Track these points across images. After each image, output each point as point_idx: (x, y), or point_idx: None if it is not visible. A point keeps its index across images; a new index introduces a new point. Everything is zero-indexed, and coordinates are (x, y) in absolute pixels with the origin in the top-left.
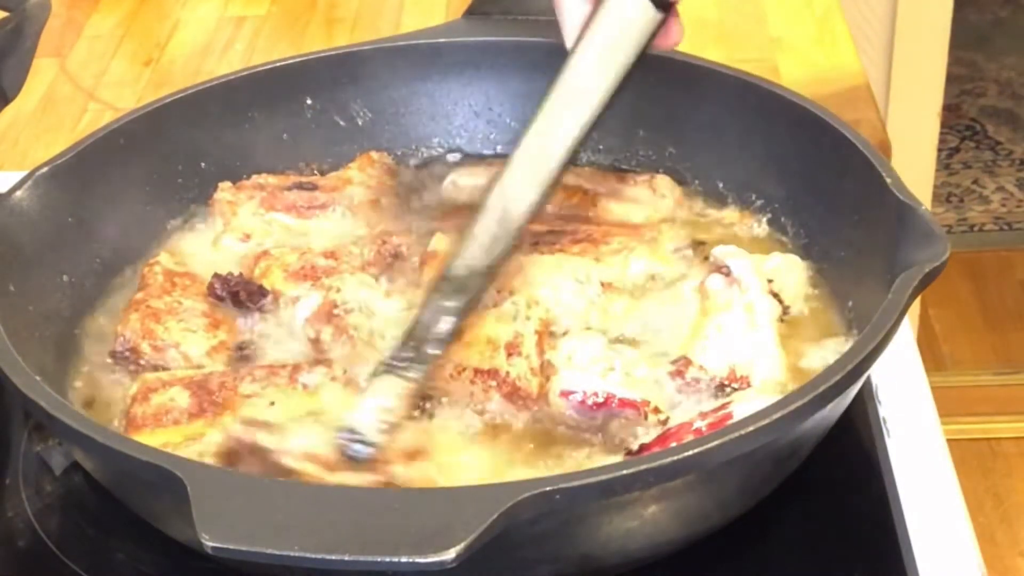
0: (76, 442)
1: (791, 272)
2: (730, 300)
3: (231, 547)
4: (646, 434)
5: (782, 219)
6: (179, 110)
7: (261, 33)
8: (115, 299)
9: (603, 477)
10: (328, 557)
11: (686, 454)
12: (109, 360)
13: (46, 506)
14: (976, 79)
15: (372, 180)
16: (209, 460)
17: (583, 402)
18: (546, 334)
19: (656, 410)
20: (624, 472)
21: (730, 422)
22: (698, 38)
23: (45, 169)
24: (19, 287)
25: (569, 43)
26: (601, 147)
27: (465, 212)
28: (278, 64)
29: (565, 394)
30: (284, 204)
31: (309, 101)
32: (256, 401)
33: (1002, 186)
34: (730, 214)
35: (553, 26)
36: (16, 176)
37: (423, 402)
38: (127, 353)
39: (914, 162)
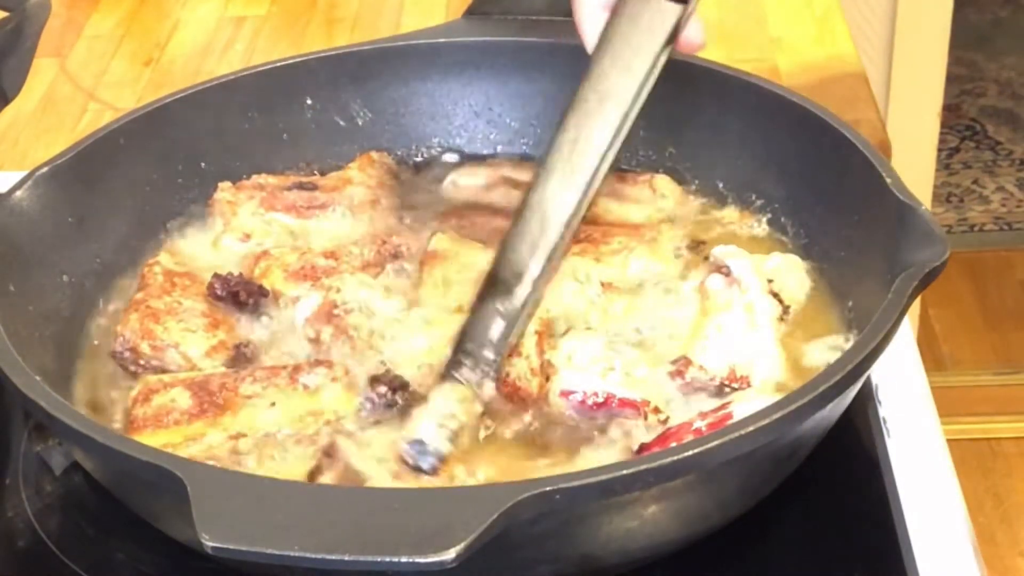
0: (76, 442)
1: (791, 272)
2: (730, 300)
3: (231, 547)
4: (646, 434)
5: (782, 219)
6: (179, 110)
7: (261, 33)
8: (115, 299)
9: (603, 477)
10: (328, 557)
11: (686, 454)
12: (109, 360)
13: (46, 506)
14: (976, 79)
15: (372, 180)
16: (213, 462)
17: (583, 402)
18: (546, 334)
19: (656, 410)
20: (624, 472)
21: (730, 422)
22: None
23: (45, 169)
24: (19, 287)
25: (589, 48)
26: None
27: (465, 212)
28: (278, 64)
29: (565, 394)
30: (284, 204)
31: (309, 101)
32: (257, 402)
33: (1002, 186)
34: (730, 214)
35: (553, 26)
36: (16, 176)
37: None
38: (127, 353)
39: (914, 162)
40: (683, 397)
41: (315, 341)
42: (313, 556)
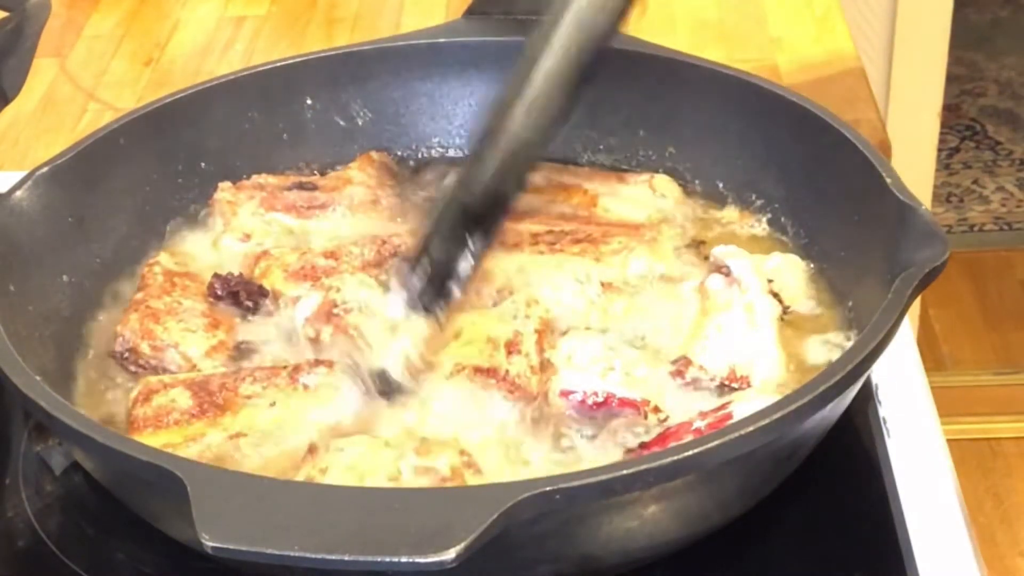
0: (76, 442)
1: (791, 272)
2: (730, 300)
3: (231, 547)
4: (646, 434)
5: (782, 219)
6: (179, 110)
7: (261, 33)
8: (115, 299)
9: (603, 477)
10: (328, 557)
11: (686, 454)
12: (109, 360)
13: (46, 506)
14: (976, 79)
15: (372, 180)
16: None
17: (583, 402)
18: (546, 333)
19: (656, 410)
20: (624, 472)
21: (730, 422)
22: (698, 38)
23: (45, 169)
24: (19, 287)
25: None
26: (601, 147)
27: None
28: (278, 64)
29: (565, 394)
30: (284, 204)
31: (309, 101)
32: (257, 401)
33: (1002, 186)
34: (730, 214)
35: None
36: (16, 176)
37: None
38: (127, 353)
39: (914, 162)
40: (683, 397)
41: (315, 341)
42: (313, 556)
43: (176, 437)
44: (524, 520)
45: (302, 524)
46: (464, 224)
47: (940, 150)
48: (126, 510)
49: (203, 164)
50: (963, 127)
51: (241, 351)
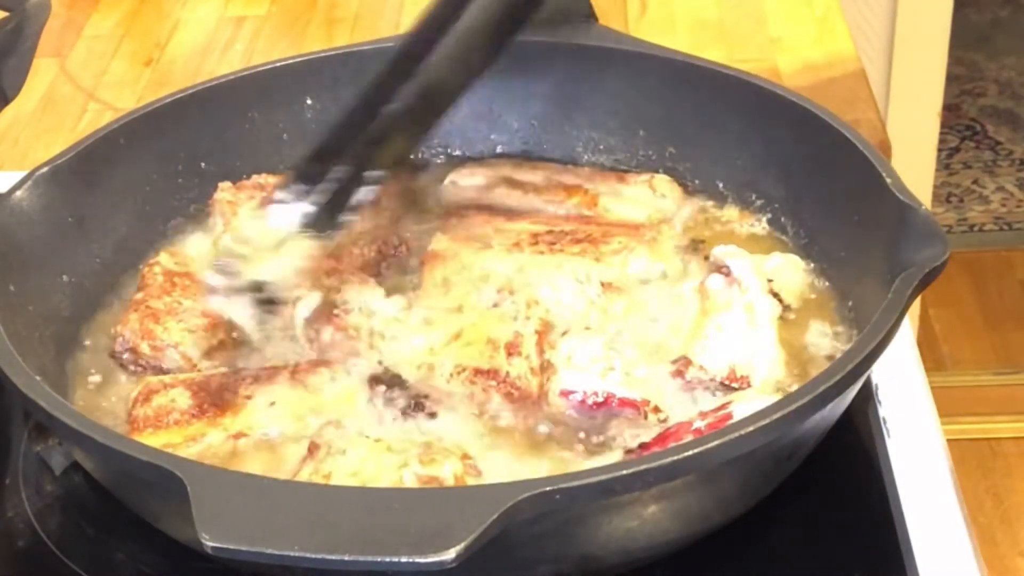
0: (76, 442)
1: (791, 272)
2: (730, 300)
3: (231, 547)
4: (646, 434)
5: (782, 219)
6: (179, 110)
7: (261, 33)
8: (115, 299)
9: (603, 477)
10: (328, 557)
11: (686, 454)
12: (109, 360)
13: (46, 506)
14: (976, 79)
15: None
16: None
17: (583, 402)
18: (546, 334)
19: (656, 410)
20: (624, 472)
21: (730, 422)
22: (698, 38)
23: (45, 169)
24: (19, 287)
25: None
26: (601, 147)
27: (465, 212)
28: (278, 64)
29: (565, 394)
30: None
31: (309, 101)
32: (257, 402)
33: (1002, 186)
34: (730, 214)
35: (554, 26)
36: (16, 176)
37: (423, 399)
38: (126, 353)
39: (914, 162)
40: (683, 397)
41: (315, 341)
42: (313, 556)
43: (176, 437)
44: (524, 520)
45: (302, 524)
46: (366, 152)
47: (940, 150)
48: (126, 510)
49: (203, 164)
50: (963, 127)
51: (241, 351)
